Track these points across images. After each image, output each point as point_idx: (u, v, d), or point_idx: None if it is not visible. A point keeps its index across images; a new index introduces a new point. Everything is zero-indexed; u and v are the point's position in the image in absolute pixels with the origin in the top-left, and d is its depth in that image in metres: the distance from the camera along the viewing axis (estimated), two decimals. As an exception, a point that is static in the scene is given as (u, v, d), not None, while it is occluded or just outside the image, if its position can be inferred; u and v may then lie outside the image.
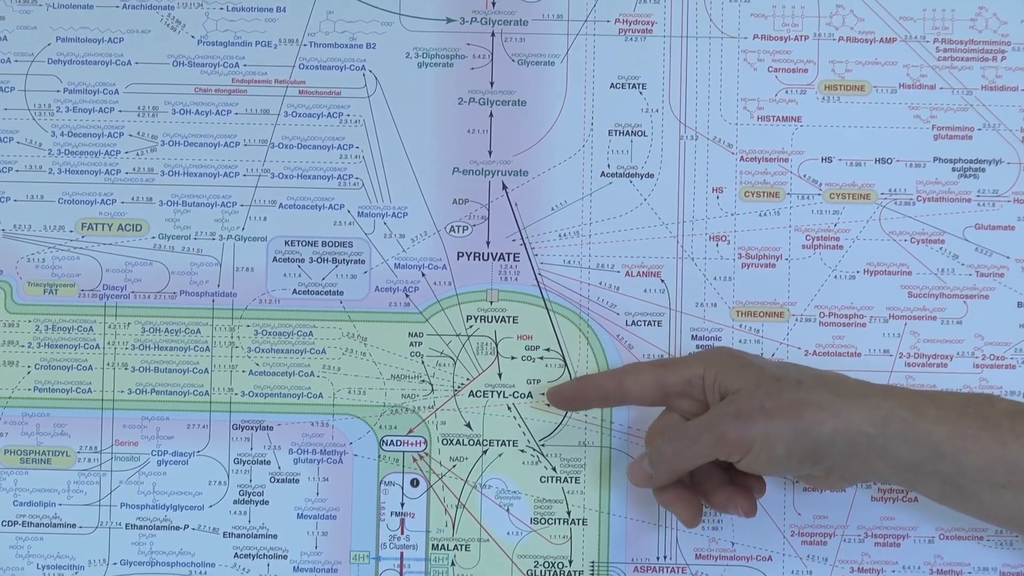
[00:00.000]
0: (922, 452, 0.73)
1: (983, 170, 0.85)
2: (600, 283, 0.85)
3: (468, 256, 0.85)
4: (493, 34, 0.86)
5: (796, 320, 0.85)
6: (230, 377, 0.85)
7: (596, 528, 0.85)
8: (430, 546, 0.85)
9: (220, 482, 0.85)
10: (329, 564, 0.85)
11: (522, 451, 0.85)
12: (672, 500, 0.79)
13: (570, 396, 0.82)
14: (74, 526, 0.85)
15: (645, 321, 0.85)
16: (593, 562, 0.85)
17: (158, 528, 0.85)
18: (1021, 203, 0.85)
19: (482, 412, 0.85)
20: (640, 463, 0.78)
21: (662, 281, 0.85)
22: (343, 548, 0.85)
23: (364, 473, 0.85)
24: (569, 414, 0.85)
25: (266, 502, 0.85)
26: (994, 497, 0.73)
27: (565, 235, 0.85)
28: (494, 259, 0.85)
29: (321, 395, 0.85)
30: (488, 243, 0.85)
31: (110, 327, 0.85)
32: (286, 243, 0.85)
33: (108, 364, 0.85)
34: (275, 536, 0.85)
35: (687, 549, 0.85)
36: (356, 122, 0.86)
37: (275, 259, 0.85)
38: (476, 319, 0.85)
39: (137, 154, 0.85)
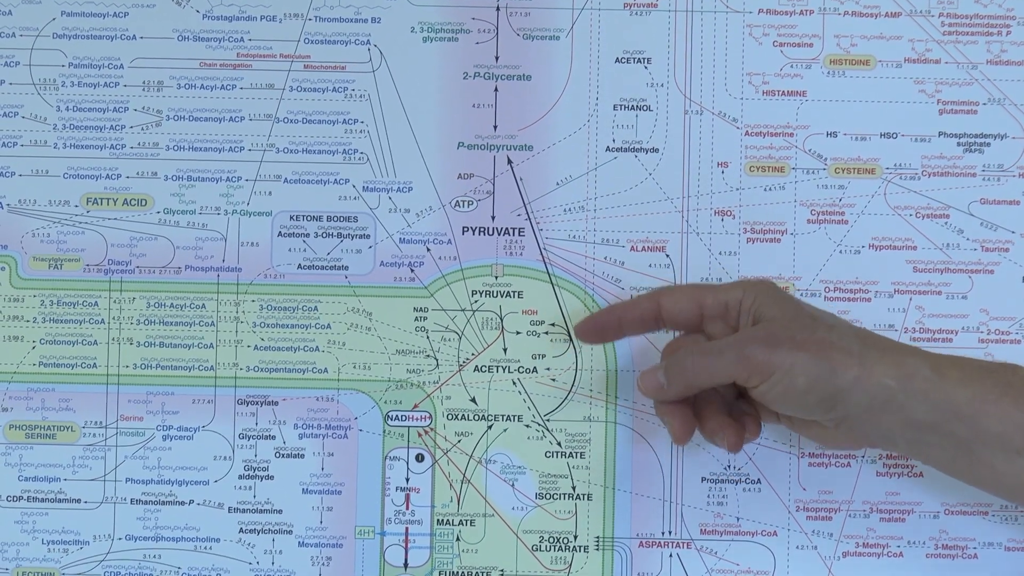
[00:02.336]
0: (941, 412, 0.72)
1: (988, 144, 0.85)
2: (605, 258, 0.85)
3: (473, 231, 0.85)
4: (498, 8, 0.86)
5: (801, 295, 0.85)
6: (235, 352, 0.85)
7: (601, 503, 0.85)
8: (435, 521, 0.85)
9: (225, 457, 0.85)
10: (334, 539, 0.85)
11: (527, 426, 0.85)
12: (670, 411, 0.78)
13: (603, 324, 0.80)
14: (79, 501, 0.85)
15: (650, 296, 0.85)
16: (598, 537, 0.85)
17: (163, 503, 0.85)
18: (1026, 177, 0.85)
19: (487, 387, 0.85)
20: (654, 372, 0.77)
21: (667, 256, 0.85)
22: (348, 523, 0.85)
23: (369, 448, 0.85)
24: (574, 389, 0.85)
25: (271, 477, 0.85)
26: (1007, 464, 0.72)
27: (570, 210, 0.85)
28: (499, 234, 0.85)
29: (326, 370, 0.85)
30: (493, 218, 0.85)
31: (115, 302, 0.85)
32: (291, 218, 0.85)
33: (113, 339, 0.85)
34: (280, 511, 0.85)
35: (692, 524, 0.85)
36: (361, 97, 0.86)
37: (280, 234, 0.85)
38: (481, 294, 0.85)
39: (142, 129, 0.85)
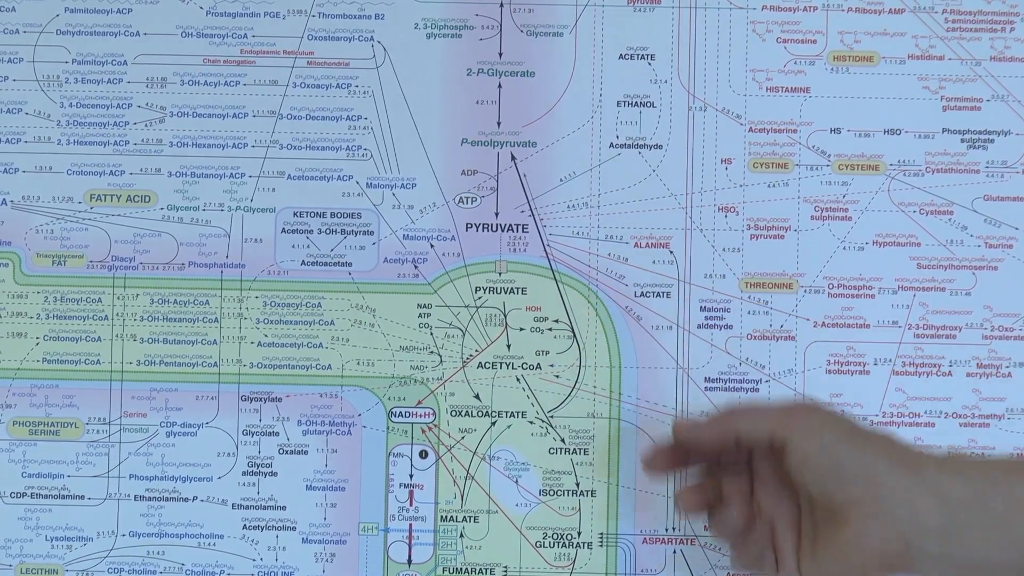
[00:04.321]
0: (975, 485, 0.70)
1: (992, 141, 0.85)
2: (609, 254, 0.85)
3: (477, 227, 0.85)
4: (502, 4, 0.86)
5: (805, 291, 0.85)
6: (239, 348, 0.85)
7: (605, 499, 0.85)
8: (439, 518, 0.85)
9: (229, 453, 0.85)
10: (338, 535, 0.85)
11: (531, 422, 0.85)
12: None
13: (678, 450, 0.79)
14: (83, 498, 0.85)
15: (654, 292, 0.85)
16: (602, 533, 0.85)
17: (167, 500, 0.85)
18: (1030, 174, 0.85)
19: (491, 383, 0.85)
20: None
21: (671, 252, 0.85)
22: (352, 520, 0.85)
23: (373, 445, 0.85)
24: (578, 385, 0.84)
25: (275, 474, 0.85)
26: None
27: (574, 206, 0.85)
28: (503, 230, 0.85)
29: (330, 366, 0.85)
30: (497, 214, 0.85)
31: (119, 298, 0.85)
32: (295, 214, 0.85)
33: (117, 335, 0.85)
34: (284, 508, 0.85)
35: (696, 521, 0.84)
36: (365, 93, 0.85)
37: (284, 230, 0.85)
38: (485, 290, 0.85)
39: (146, 125, 0.85)
